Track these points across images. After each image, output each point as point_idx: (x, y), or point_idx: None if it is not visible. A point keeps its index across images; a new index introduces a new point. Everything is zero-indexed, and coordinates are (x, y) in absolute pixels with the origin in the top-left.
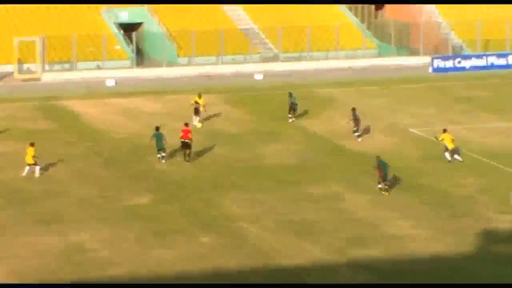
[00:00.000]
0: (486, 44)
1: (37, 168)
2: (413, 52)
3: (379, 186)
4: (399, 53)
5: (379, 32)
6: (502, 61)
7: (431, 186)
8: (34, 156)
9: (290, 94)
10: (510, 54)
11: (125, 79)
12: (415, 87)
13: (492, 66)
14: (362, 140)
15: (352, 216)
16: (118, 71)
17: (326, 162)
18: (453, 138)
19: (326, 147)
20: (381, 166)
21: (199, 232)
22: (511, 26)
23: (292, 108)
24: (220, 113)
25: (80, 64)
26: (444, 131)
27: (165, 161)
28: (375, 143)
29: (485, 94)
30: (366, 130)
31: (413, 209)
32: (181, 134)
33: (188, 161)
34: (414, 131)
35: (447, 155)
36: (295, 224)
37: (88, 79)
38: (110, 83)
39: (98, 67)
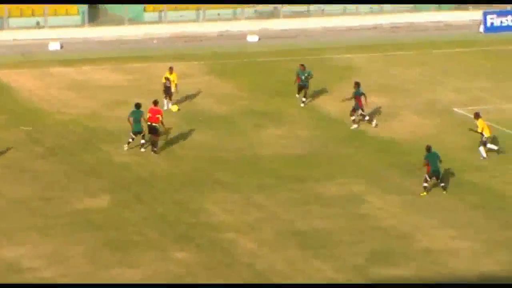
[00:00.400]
0: None
1: None
2: (459, 6)
3: (424, 184)
4: (441, 7)
5: None
6: None
7: (480, 184)
8: None
9: (303, 68)
10: None
11: (74, 42)
12: (462, 53)
13: None
14: (389, 121)
15: (375, 224)
16: (64, 30)
17: (342, 153)
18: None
19: (342, 133)
20: (430, 161)
21: (172, 246)
22: None
23: (303, 87)
24: (201, 87)
25: (13, 21)
26: (477, 116)
27: (144, 149)
28: (408, 127)
29: None
30: (396, 110)
31: (456, 214)
32: (148, 115)
33: (155, 152)
34: (460, 111)
35: (482, 150)
36: (301, 234)
37: (24, 41)
38: (54, 46)
39: (38, 25)
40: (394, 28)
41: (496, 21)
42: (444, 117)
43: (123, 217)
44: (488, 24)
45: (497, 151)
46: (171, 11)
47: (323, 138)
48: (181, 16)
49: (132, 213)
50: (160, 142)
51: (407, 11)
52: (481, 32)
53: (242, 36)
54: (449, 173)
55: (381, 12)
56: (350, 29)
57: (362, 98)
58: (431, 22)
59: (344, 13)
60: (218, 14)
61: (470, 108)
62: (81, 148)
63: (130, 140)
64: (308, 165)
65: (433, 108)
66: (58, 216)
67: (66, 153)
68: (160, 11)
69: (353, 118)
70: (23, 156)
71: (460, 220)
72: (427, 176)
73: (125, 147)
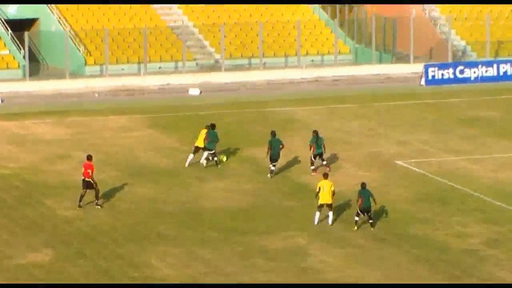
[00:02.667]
0: (497, 48)
1: None
2: (401, 58)
3: (356, 218)
4: (381, 60)
5: (356, 31)
6: None
7: (424, 237)
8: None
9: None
10: None
11: (14, 95)
12: (403, 105)
13: (505, 77)
14: (332, 174)
15: (320, 276)
16: (5, 84)
17: (286, 206)
18: (333, 189)
19: (285, 185)
20: (363, 197)
21: None
22: None
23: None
24: (143, 140)
25: None
26: (325, 176)
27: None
28: (350, 179)
29: (495, 114)
30: (338, 163)
31: (400, 267)
32: (82, 170)
33: (98, 205)
34: (402, 163)
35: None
36: None
37: None
38: None
39: None
40: (335, 81)
41: (438, 73)
42: (387, 169)
43: (66, 271)
44: (430, 76)
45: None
46: (112, 65)
47: (266, 191)
48: (122, 69)
49: (75, 268)
50: (102, 195)
51: (348, 64)
52: (422, 85)
53: (184, 89)
54: (392, 226)
55: (322, 65)
56: (291, 82)
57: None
58: (372, 74)
59: (286, 66)
60: (160, 68)
61: (413, 160)
62: (22, 202)
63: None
64: (251, 218)
65: (376, 161)
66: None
67: (7, 207)
68: (101, 64)
69: (312, 167)
70: None
71: (404, 273)
72: (358, 211)
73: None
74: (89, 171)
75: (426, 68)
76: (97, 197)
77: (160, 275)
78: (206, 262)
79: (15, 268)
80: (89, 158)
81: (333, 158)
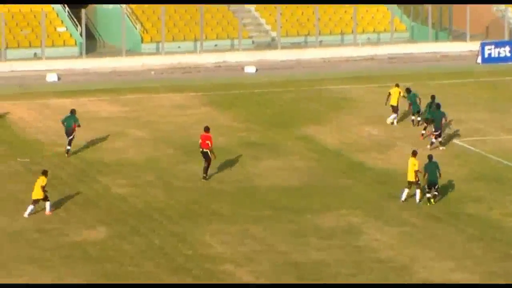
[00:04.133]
0: None
1: (48, 204)
2: (457, 37)
3: (427, 195)
4: (438, 38)
5: (412, 9)
6: None
7: (479, 216)
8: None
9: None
10: None
11: (71, 73)
12: (459, 84)
13: None
14: (387, 153)
15: (373, 255)
16: (62, 61)
17: (340, 184)
18: (416, 164)
19: (340, 164)
20: (428, 170)
21: (168, 278)
22: None
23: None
24: (199, 118)
25: (11, 52)
26: (414, 154)
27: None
28: (405, 158)
29: None
30: (392, 141)
31: (455, 246)
32: (199, 141)
33: (205, 178)
34: (458, 142)
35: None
36: (298, 266)
37: (22, 72)
38: (52, 78)
39: (36, 56)
40: (391, 59)
41: (494, 51)
42: (449, 149)
43: (121, 249)
44: (487, 55)
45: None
46: (168, 43)
47: (320, 170)
48: (178, 47)
49: (129, 245)
50: (157, 173)
51: (404, 42)
52: (478, 63)
53: (240, 67)
54: (447, 204)
55: (378, 43)
56: (347, 60)
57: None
58: (428, 52)
59: (341, 44)
60: (216, 45)
61: (469, 139)
62: (78, 179)
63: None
64: (305, 197)
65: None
66: (55, 248)
67: (63, 185)
68: (158, 42)
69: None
70: (20, 188)
71: (458, 252)
72: (426, 187)
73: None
74: (208, 142)
75: (483, 46)
76: (206, 170)
77: (214, 252)
78: (260, 240)
79: (70, 246)
80: (207, 129)
81: (389, 137)
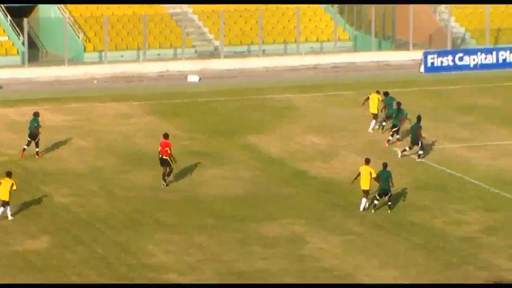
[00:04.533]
0: (497, 35)
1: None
2: (400, 45)
3: (375, 202)
4: (381, 47)
5: (355, 18)
6: None
7: (422, 224)
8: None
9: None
10: None
11: (13, 82)
12: (403, 93)
13: (504, 64)
14: (330, 162)
15: (317, 264)
16: (4, 71)
17: (284, 193)
18: (373, 172)
19: (283, 173)
20: (381, 177)
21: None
22: None
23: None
24: (142, 127)
25: None
26: (367, 161)
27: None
28: (349, 167)
29: (494, 102)
30: (336, 150)
31: (398, 254)
32: (159, 148)
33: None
34: (399, 150)
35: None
36: (242, 275)
37: None
38: None
39: None
40: (334, 68)
41: (437, 60)
42: (386, 157)
43: (63, 258)
44: (429, 64)
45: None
46: (111, 52)
47: (264, 178)
48: (121, 56)
49: (72, 255)
50: (100, 182)
51: (347, 51)
52: (421, 72)
53: (183, 76)
54: (390, 213)
55: (321, 52)
56: (290, 69)
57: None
58: (371, 61)
59: (285, 53)
60: (159, 54)
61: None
62: (20, 189)
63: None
64: (249, 206)
65: (375, 148)
66: None
67: None
68: (101, 51)
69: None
70: None
71: (402, 261)
72: (376, 195)
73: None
74: (167, 149)
75: (426, 55)
76: (168, 175)
77: (158, 262)
78: (204, 249)
79: (12, 255)
80: (166, 136)
81: (332, 146)
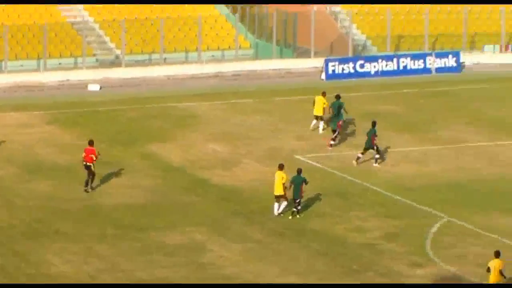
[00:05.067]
0: (398, 42)
1: None
2: (302, 53)
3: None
4: (282, 55)
5: (257, 26)
6: (418, 64)
7: (323, 231)
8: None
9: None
10: (429, 55)
11: None
12: (304, 100)
13: (405, 71)
14: (232, 169)
15: (218, 272)
16: None
17: (185, 201)
18: (284, 178)
19: (184, 181)
20: (294, 182)
21: None
22: (431, 18)
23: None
24: (42, 137)
25: None
26: (280, 167)
27: None
28: (250, 174)
29: (395, 109)
30: (238, 158)
31: (298, 262)
32: (83, 154)
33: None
34: (302, 158)
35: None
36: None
37: None
38: None
39: None
40: (236, 76)
41: (338, 68)
42: (286, 164)
43: None
44: (330, 71)
45: None
46: (11, 61)
47: (165, 187)
48: (21, 65)
49: None
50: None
51: (249, 59)
52: (322, 80)
53: (83, 85)
54: (290, 220)
55: (223, 60)
56: (192, 77)
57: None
58: (273, 69)
59: (186, 61)
60: (59, 64)
61: (312, 155)
62: None
63: None
64: (150, 214)
65: (276, 156)
66: None
67: None
68: (0, 61)
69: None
70: None
71: (303, 268)
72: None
73: None
74: (92, 155)
75: (327, 62)
76: (91, 182)
77: (57, 271)
78: (104, 258)
79: None
80: (91, 143)
81: (233, 154)
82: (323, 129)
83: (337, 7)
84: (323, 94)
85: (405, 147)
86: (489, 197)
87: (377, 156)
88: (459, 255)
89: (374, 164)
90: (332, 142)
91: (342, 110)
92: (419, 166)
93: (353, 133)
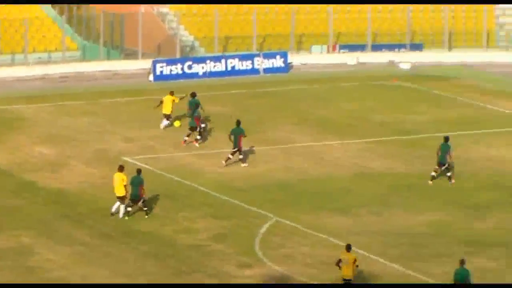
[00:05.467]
0: (225, 43)
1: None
2: (129, 55)
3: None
4: (110, 56)
5: (84, 28)
6: (246, 65)
7: (152, 233)
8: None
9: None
10: (256, 55)
11: None
12: (131, 101)
13: (233, 72)
14: (59, 172)
15: (45, 275)
16: None
17: (11, 205)
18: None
19: (11, 184)
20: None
21: None
22: (259, 19)
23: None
24: None
25: None
26: (120, 169)
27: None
28: (77, 177)
29: (224, 109)
30: (65, 160)
31: (128, 263)
32: None
33: None
34: (129, 159)
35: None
36: None
37: None
38: None
39: None
40: (63, 78)
41: (166, 69)
42: (114, 166)
43: None
44: (158, 72)
45: None
46: None
47: None
48: None
49: None
50: None
51: (76, 61)
52: (151, 81)
53: None
54: (118, 223)
55: (49, 62)
56: (18, 80)
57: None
58: (100, 71)
59: (12, 63)
60: None
61: (140, 156)
62: None
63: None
64: None
65: (103, 158)
66: None
67: None
68: None
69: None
70: None
71: (132, 269)
72: (130, 201)
73: None
74: None
75: (154, 64)
76: None
77: None
78: None
79: None
80: None
81: (61, 157)
82: (166, 126)
83: (165, 8)
84: (171, 93)
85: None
86: (317, 197)
87: (241, 156)
88: (288, 255)
89: (243, 165)
90: (186, 139)
91: (199, 108)
92: (248, 167)
93: (179, 136)
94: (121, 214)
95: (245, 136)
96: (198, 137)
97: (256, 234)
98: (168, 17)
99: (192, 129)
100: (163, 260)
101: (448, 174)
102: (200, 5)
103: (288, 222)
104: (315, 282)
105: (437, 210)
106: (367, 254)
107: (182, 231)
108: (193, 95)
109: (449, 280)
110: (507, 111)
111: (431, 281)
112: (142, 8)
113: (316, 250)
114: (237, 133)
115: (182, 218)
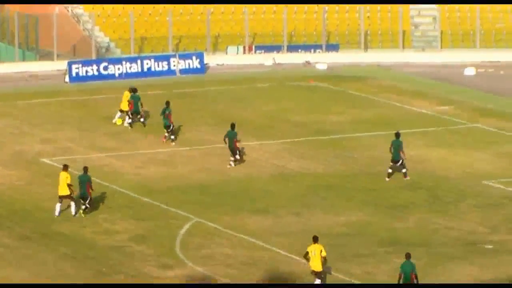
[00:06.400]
0: (141, 44)
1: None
2: (45, 56)
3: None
4: (25, 58)
5: None
6: (162, 66)
7: (71, 235)
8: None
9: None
10: (172, 56)
11: None
12: (48, 103)
13: (149, 73)
14: None
15: None
16: None
17: None
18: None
19: None
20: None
21: None
22: (174, 20)
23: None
24: None
25: None
26: (65, 168)
27: None
28: None
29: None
30: None
31: (47, 265)
32: None
33: None
34: (47, 161)
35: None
36: None
37: None
38: None
39: None
40: None
41: (82, 70)
42: (32, 168)
43: None
44: (74, 73)
45: None
46: None
47: None
48: None
49: None
50: None
51: None
52: (67, 82)
53: None
54: (37, 224)
55: None
56: None
57: None
58: (15, 72)
59: None
60: None
61: (58, 158)
62: None
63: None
64: None
65: (21, 159)
66: None
67: None
68: None
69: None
70: None
71: (52, 271)
72: (81, 200)
73: None
74: None
75: (70, 65)
76: None
77: None
78: None
79: None
80: None
81: None
82: (129, 123)
83: (79, 9)
84: (130, 90)
85: (152, 149)
86: (237, 197)
87: (238, 157)
88: (208, 256)
89: (230, 166)
90: (166, 135)
91: (139, 104)
92: (167, 168)
93: (96, 136)
94: (73, 212)
95: (238, 141)
96: (167, 134)
97: (177, 235)
98: (83, 18)
99: (167, 127)
100: (83, 261)
101: (403, 170)
102: (115, 5)
103: (208, 223)
104: (237, 282)
105: (357, 210)
106: (289, 255)
107: (102, 233)
108: (134, 90)
109: (370, 280)
110: (423, 111)
111: (353, 281)
112: (57, 9)
113: (237, 250)
114: (232, 136)
115: (102, 219)
